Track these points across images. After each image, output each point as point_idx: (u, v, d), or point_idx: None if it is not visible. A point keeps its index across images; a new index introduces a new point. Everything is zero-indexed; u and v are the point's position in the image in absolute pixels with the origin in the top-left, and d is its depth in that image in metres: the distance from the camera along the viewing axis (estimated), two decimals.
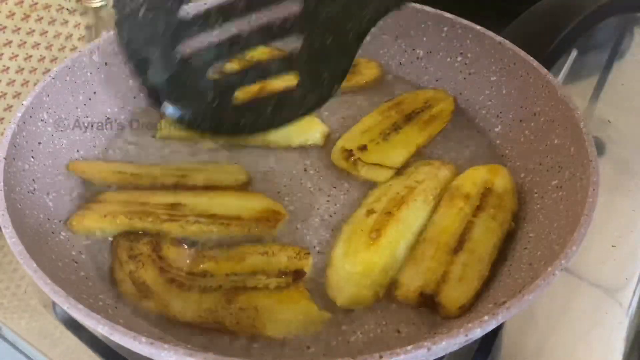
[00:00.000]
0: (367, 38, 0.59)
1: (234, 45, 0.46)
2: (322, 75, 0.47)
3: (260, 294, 0.39)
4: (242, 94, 0.48)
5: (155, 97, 0.47)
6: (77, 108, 0.50)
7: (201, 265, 0.41)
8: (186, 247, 0.43)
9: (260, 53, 0.51)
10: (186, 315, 0.38)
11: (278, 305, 0.39)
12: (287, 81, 0.47)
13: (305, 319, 0.38)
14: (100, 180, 0.47)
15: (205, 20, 0.45)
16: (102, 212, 0.44)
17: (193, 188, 0.47)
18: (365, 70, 0.59)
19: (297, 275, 0.41)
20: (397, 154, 0.50)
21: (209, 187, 0.47)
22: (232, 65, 0.50)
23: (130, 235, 0.43)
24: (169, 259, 0.42)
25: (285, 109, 0.48)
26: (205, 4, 0.46)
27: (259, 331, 0.38)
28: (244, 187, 0.48)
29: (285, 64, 0.47)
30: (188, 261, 0.42)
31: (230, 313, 0.38)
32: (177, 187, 0.47)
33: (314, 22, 0.45)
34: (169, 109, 0.47)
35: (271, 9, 0.45)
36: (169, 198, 0.45)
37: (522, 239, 0.43)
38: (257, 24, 0.45)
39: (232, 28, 0.46)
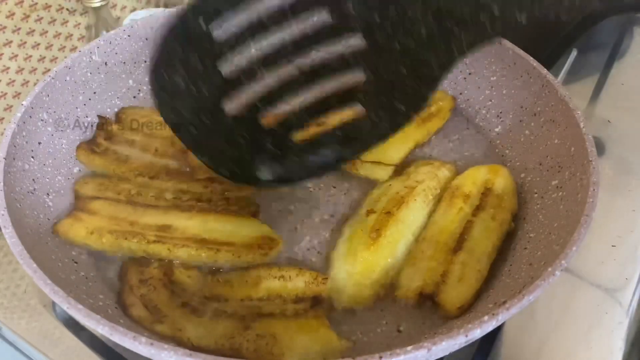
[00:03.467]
0: None
1: (286, 91, 0.39)
2: (394, 105, 0.40)
3: (278, 321, 0.38)
4: (301, 134, 0.41)
5: (213, 165, 0.41)
6: (77, 108, 0.50)
7: (215, 289, 0.40)
8: (199, 270, 0.41)
9: None
10: (201, 341, 0.37)
11: (297, 333, 0.37)
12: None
13: (324, 348, 0.37)
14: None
15: (251, 69, 0.38)
16: (89, 226, 0.43)
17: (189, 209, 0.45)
18: None
19: (315, 301, 0.39)
20: (395, 150, 0.50)
21: (204, 210, 0.45)
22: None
23: (140, 259, 0.42)
24: (181, 283, 0.40)
25: (354, 141, 0.42)
26: (250, 50, 0.38)
27: (276, 359, 0.36)
28: None
29: (348, 96, 0.40)
30: (201, 285, 0.40)
31: (247, 340, 0.37)
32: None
33: (383, 56, 0.39)
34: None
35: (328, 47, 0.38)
36: (159, 219, 0.44)
37: (522, 239, 0.43)
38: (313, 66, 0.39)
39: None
